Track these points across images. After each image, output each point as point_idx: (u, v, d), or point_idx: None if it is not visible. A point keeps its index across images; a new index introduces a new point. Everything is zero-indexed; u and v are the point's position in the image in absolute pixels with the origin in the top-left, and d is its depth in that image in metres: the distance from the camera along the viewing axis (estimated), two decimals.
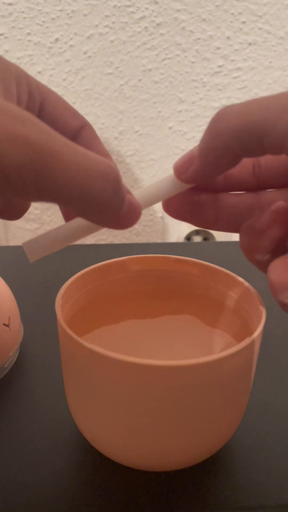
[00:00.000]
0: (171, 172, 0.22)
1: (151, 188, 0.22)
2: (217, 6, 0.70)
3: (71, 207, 0.17)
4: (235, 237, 0.89)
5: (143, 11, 0.70)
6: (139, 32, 0.71)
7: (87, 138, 0.22)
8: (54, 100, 0.21)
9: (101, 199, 0.17)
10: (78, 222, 0.21)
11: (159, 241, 0.88)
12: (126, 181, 0.82)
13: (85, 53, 0.72)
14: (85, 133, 0.22)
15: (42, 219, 0.85)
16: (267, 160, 0.22)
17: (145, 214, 0.85)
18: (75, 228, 0.21)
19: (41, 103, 0.21)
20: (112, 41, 0.72)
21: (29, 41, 0.71)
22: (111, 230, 0.86)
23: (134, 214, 0.20)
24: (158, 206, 0.84)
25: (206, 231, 0.85)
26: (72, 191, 0.16)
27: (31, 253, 0.21)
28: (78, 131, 0.22)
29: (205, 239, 0.85)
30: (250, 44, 0.73)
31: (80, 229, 0.21)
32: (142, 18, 0.70)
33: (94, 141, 0.22)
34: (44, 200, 0.16)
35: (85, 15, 0.70)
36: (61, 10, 0.69)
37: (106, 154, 0.22)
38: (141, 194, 0.22)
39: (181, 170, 0.21)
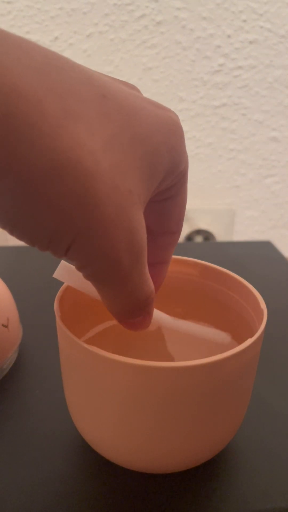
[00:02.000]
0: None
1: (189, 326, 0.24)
2: (217, 4, 0.70)
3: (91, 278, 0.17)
4: (235, 237, 0.89)
5: (143, 9, 0.70)
6: (139, 31, 0.71)
7: (166, 244, 0.22)
8: (180, 201, 0.20)
9: (120, 308, 0.18)
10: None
11: None
12: None
13: (84, 51, 0.72)
14: (168, 239, 0.22)
15: None
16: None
17: None
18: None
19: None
20: (112, 40, 0.71)
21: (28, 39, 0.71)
22: None
23: (143, 326, 0.20)
24: None
25: (206, 231, 0.85)
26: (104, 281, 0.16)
27: (61, 275, 0.22)
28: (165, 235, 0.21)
29: (205, 239, 0.85)
30: (251, 42, 0.73)
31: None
32: (142, 16, 0.70)
33: (168, 250, 0.22)
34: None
35: (84, 14, 0.69)
36: (60, 9, 0.69)
37: (166, 260, 0.22)
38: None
39: None
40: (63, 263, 0.22)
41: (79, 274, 0.21)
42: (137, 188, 0.15)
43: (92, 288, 0.22)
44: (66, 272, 0.22)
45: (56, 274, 0.22)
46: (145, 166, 0.15)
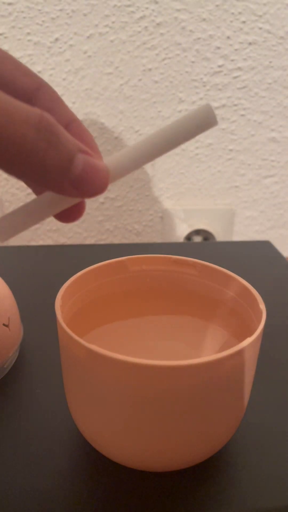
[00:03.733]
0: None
1: (131, 151, 0.19)
2: (217, 5, 0.70)
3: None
4: (234, 237, 0.89)
5: (143, 10, 0.70)
6: (139, 32, 0.71)
7: (46, 100, 0.19)
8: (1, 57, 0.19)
9: (25, 146, 0.15)
10: (48, 196, 0.19)
11: (159, 241, 0.88)
12: (125, 180, 0.82)
13: (85, 52, 0.72)
14: (42, 95, 0.19)
15: None
16: None
17: (145, 214, 0.85)
18: (44, 203, 0.19)
19: None
20: (112, 41, 0.72)
21: (29, 40, 0.71)
22: (111, 230, 0.86)
23: (95, 177, 0.17)
24: (159, 206, 0.84)
25: (206, 231, 0.85)
26: None
27: (1, 233, 0.19)
28: (33, 92, 0.19)
29: (205, 239, 0.85)
30: (250, 43, 0.73)
31: (50, 202, 0.19)
32: (142, 17, 0.70)
33: (55, 104, 0.20)
34: None
35: (85, 15, 0.70)
36: (61, 10, 0.69)
37: (71, 118, 0.20)
38: (119, 159, 0.19)
39: None
40: None
41: (14, 216, 0.19)
42: None
43: (29, 219, 0.19)
44: (3, 226, 0.19)
45: (1, 238, 0.19)
46: None
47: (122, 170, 0.19)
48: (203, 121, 0.18)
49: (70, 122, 0.20)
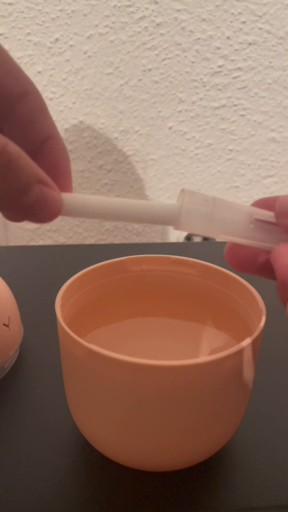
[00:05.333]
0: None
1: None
2: (217, 6, 0.70)
3: None
4: None
5: (143, 11, 0.70)
6: (139, 32, 0.71)
7: (26, 110, 0.18)
8: None
9: None
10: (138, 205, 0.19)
11: (159, 241, 0.88)
12: (126, 180, 0.82)
13: (85, 53, 0.72)
14: (24, 104, 0.18)
15: None
16: None
17: None
18: (131, 208, 0.19)
19: None
20: (112, 41, 0.72)
21: (29, 41, 0.71)
22: (111, 230, 0.86)
23: (46, 208, 0.17)
24: None
25: None
26: None
27: (65, 209, 0.18)
28: (15, 100, 0.18)
29: (205, 239, 0.85)
30: (250, 44, 0.73)
31: (137, 211, 0.19)
32: (142, 18, 0.70)
33: (36, 116, 0.18)
34: None
35: (85, 15, 0.70)
36: (61, 10, 0.69)
37: (49, 135, 0.19)
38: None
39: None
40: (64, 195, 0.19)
41: (85, 201, 0.19)
42: None
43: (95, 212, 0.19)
44: (70, 202, 0.18)
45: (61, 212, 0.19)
46: None
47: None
48: (167, 219, 0.19)
49: (47, 139, 0.19)
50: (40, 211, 0.17)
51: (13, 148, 0.16)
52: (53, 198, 0.17)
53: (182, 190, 0.19)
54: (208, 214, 0.19)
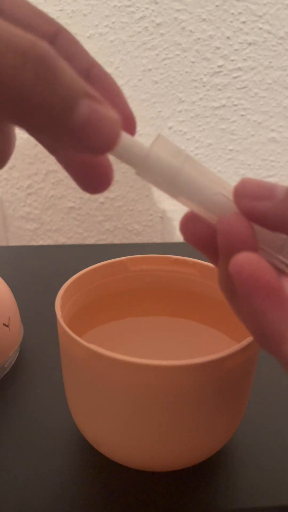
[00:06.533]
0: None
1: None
2: (217, 6, 0.70)
3: None
4: None
5: (143, 11, 0.70)
6: (139, 32, 0.71)
7: (65, 45, 0.18)
8: (18, 2, 0.17)
9: (14, 82, 0.13)
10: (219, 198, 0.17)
11: (159, 241, 0.88)
12: (125, 181, 0.82)
13: None
14: (61, 40, 0.18)
15: (42, 219, 0.85)
16: None
17: (145, 214, 0.85)
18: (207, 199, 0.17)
19: None
20: (112, 41, 0.72)
21: None
22: (111, 230, 0.86)
23: (103, 128, 0.14)
24: (159, 206, 0.84)
25: None
26: None
27: (145, 170, 0.16)
28: (52, 37, 0.17)
29: None
30: (250, 44, 0.73)
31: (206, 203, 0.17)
32: (142, 18, 0.70)
33: (74, 48, 0.18)
34: None
35: (85, 15, 0.70)
36: (61, 10, 0.69)
37: (91, 63, 0.18)
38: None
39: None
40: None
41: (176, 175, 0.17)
42: None
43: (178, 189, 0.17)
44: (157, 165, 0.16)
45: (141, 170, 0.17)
46: None
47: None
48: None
49: (91, 69, 0.18)
50: (94, 133, 0.14)
51: (49, 48, 0.14)
52: (108, 116, 0.15)
53: (158, 135, 0.17)
54: (175, 168, 0.17)
